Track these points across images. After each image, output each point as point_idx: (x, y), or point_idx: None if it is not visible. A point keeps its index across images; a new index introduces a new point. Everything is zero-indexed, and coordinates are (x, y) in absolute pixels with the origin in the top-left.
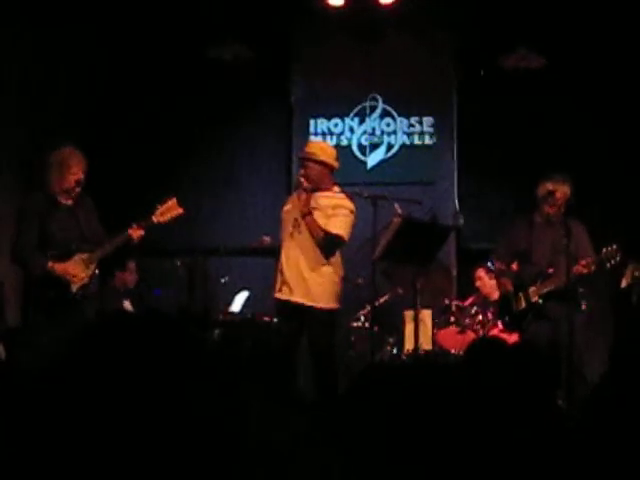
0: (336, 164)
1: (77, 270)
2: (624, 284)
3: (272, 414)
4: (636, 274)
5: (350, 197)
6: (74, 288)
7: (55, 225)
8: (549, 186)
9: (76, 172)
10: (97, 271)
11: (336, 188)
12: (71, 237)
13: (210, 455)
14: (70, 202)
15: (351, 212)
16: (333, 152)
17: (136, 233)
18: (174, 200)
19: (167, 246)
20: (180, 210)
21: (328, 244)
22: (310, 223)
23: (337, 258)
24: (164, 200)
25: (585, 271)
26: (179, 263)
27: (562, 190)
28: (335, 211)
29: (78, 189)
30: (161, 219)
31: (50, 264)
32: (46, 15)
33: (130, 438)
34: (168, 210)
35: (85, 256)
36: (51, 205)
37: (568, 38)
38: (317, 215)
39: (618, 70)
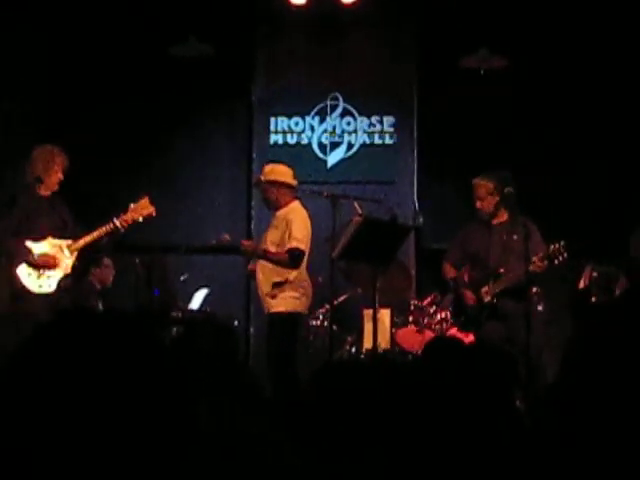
0: (289, 180)
1: (58, 260)
2: (582, 285)
3: (224, 410)
4: (594, 275)
5: (310, 195)
6: (56, 277)
7: (35, 214)
8: (474, 181)
9: (58, 171)
10: (77, 263)
11: (295, 203)
12: (50, 227)
13: (159, 451)
14: (49, 194)
15: (297, 218)
16: (284, 170)
17: (122, 224)
18: (146, 199)
19: (125, 243)
20: (152, 209)
21: (290, 261)
22: (270, 259)
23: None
24: (137, 198)
25: (539, 268)
26: (137, 260)
27: (480, 183)
28: (287, 227)
29: (57, 187)
30: (135, 216)
31: (32, 255)
32: (5, 10)
33: (79, 437)
34: (141, 208)
35: (66, 244)
36: (32, 195)
37: (530, 39)
38: (270, 232)
39: (579, 71)
